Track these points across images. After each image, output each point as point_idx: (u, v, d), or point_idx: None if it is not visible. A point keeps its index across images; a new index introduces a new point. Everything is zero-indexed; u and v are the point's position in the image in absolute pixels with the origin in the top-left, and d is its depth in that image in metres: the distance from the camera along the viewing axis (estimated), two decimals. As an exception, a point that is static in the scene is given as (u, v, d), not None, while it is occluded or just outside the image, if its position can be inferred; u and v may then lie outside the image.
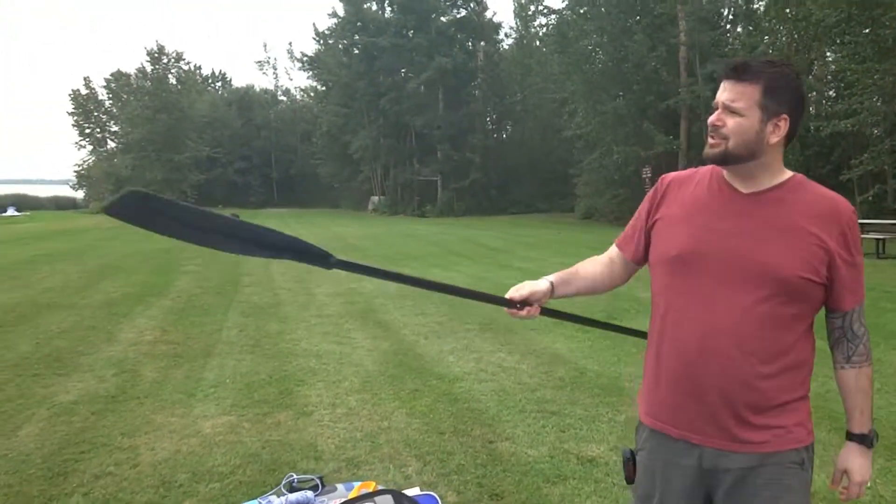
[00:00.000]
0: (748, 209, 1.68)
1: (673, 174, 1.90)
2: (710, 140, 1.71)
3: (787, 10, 20.80)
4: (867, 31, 17.55)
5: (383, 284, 10.73)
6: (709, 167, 1.80)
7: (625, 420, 4.54)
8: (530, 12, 44.84)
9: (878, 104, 18.31)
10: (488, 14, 46.11)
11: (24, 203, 51.77)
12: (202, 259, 15.00)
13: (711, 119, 1.70)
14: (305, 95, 64.28)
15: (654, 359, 1.82)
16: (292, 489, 2.86)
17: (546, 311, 1.97)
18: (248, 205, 52.16)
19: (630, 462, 1.89)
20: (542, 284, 1.95)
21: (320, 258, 1.78)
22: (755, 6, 27.58)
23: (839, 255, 1.64)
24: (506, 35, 48.21)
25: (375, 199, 46.44)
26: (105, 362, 6.08)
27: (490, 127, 47.87)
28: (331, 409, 4.77)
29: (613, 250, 2.03)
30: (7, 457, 4.00)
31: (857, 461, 1.75)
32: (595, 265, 2.05)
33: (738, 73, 1.66)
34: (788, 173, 1.73)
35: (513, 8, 46.77)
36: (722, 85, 1.70)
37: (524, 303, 1.92)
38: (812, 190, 1.70)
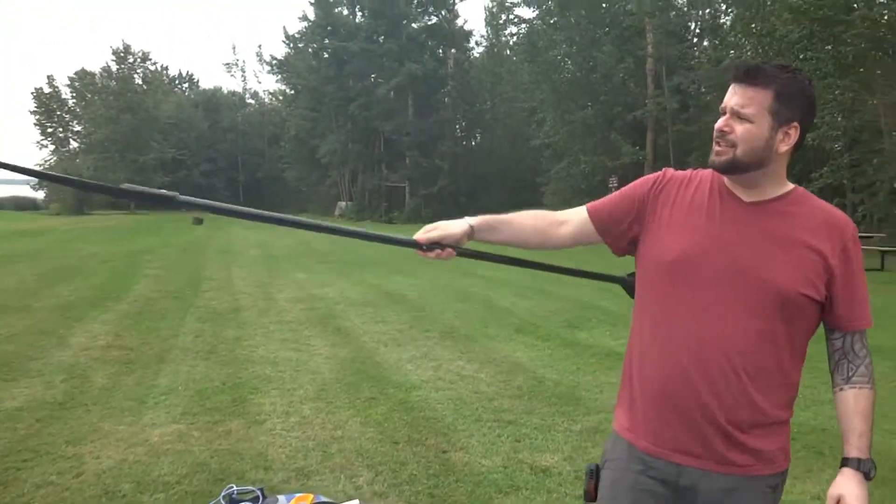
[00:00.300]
0: (750, 219, 1.60)
1: (674, 172, 1.78)
2: (716, 147, 1.60)
3: (753, 26, 21.22)
4: (829, 47, 17.98)
5: (345, 291, 10.66)
6: (708, 171, 1.70)
7: (580, 430, 4.53)
8: (501, 21, 45.11)
9: (839, 119, 18.75)
10: (459, 22, 46.22)
11: (-20, 203, 50.65)
12: (162, 263, 14.81)
13: (719, 125, 1.60)
14: (274, 99, 63.88)
15: (639, 369, 1.70)
16: (232, 501, 2.79)
17: (463, 253, 1.83)
18: (214, 208, 51.44)
19: (593, 478, 1.77)
20: (458, 227, 1.80)
21: (165, 199, 1.68)
22: (721, 21, 28.10)
23: (839, 272, 1.57)
24: (476, 43, 48.37)
25: (343, 204, 46.22)
26: (55, 368, 5.92)
27: (459, 134, 47.90)
28: (284, 418, 4.69)
29: (580, 218, 1.84)
30: (-55, 466, 3.87)
31: (852, 489, 1.56)
32: (537, 220, 1.88)
33: (750, 76, 1.56)
34: (790, 185, 1.66)
35: (484, 16, 47.04)
36: (731, 89, 1.59)
37: (436, 245, 1.79)
38: (814, 204, 1.64)
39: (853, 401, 1.61)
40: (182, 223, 32.27)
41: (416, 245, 1.78)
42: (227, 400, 5.08)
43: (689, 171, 1.76)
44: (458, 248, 1.81)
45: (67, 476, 3.74)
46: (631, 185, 1.82)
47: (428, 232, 1.80)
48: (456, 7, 45.81)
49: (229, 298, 9.85)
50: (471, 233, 1.81)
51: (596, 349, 6.84)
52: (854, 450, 1.60)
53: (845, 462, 1.61)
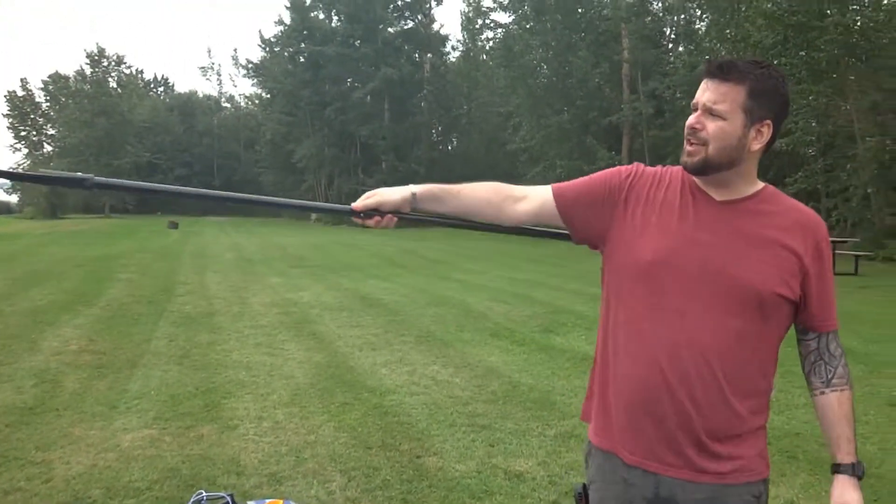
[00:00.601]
0: (723, 218, 1.56)
1: (644, 167, 1.71)
2: (687, 147, 1.56)
3: (727, 31, 21.46)
4: (802, 53, 18.17)
5: (320, 295, 10.61)
6: (678, 168, 1.65)
7: (555, 434, 4.53)
8: (477, 26, 45.31)
9: (813, 125, 18.99)
10: (435, 26, 46.40)
11: (-49, 207, 50.00)
12: (136, 267, 14.68)
13: (690, 121, 1.55)
14: (249, 103, 63.65)
15: (611, 373, 1.63)
16: (201, 507, 2.77)
17: (405, 217, 1.76)
18: (190, 212, 51.18)
19: (582, 498, 1.72)
20: (397, 193, 1.73)
21: (77, 181, 1.70)
22: (696, 26, 28.42)
23: (813, 270, 1.55)
24: (453, 48, 48.60)
25: (319, 208, 46.11)
26: (25, 372, 5.83)
27: (436, 138, 48.03)
28: (257, 423, 4.66)
29: (542, 198, 1.72)
30: (-90, 472, 3.80)
31: (854, 495, 1.57)
32: (490, 193, 1.77)
33: (724, 72, 1.51)
34: (761, 183, 1.62)
35: (460, 21, 47.18)
36: (703, 84, 1.55)
37: (374, 211, 1.72)
38: (786, 202, 1.61)
39: (837, 405, 1.60)
40: (157, 227, 32.02)
41: (352, 213, 1.74)
42: (199, 405, 5.04)
43: (659, 168, 1.70)
44: (399, 213, 1.74)
45: (36, 482, 3.70)
46: (601, 173, 1.73)
47: (365, 199, 1.74)
48: (432, 12, 45.99)
49: (203, 303, 9.78)
50: (412, 201, 1.73)
51: (571, 353, 6.87)
52: (846, 455, 1.59)
53: (839, 468, 1.60)
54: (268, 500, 2.70)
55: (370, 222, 1.74)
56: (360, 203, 1.73)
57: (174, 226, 31.92)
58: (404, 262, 17.11)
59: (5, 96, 51.41)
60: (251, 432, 4.48)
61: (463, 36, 48.36)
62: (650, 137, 27.72)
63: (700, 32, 26.79)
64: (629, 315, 1.60)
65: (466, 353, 6.89)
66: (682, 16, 29.77)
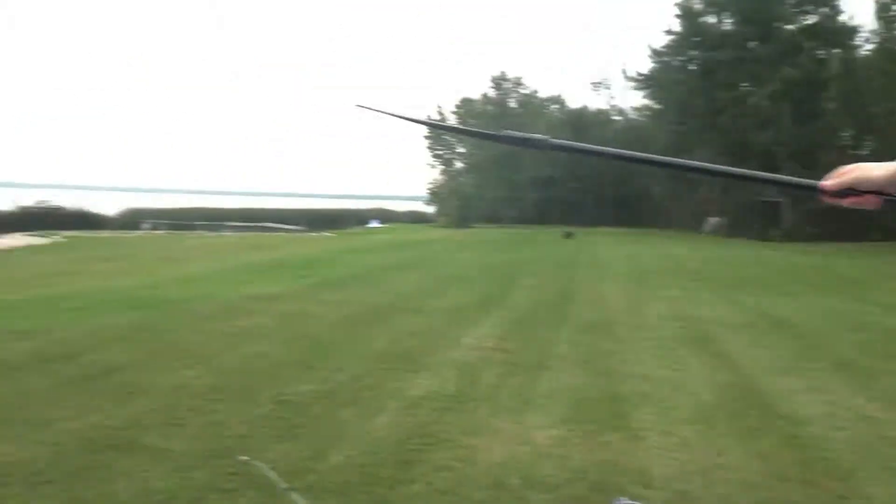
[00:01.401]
0: None
1: None
2: None
3: None
4: None
5: (719, 311, 10.16)
6: None
7: None
8: (893, 11, 39.34)
9: None
10: (842, 18, 41.51)
11: (385, 216, 59.46)
12: (536, 274, 15.63)
13: None
14: (639, 114, 63.86)
15: None
16: (625, 514, 2.81)
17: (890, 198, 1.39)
18: (582, 223, 53.12)
19: None
20: (881, 170, 1.39)
21: (534, 142, 1.67)
22: None
23: None
24: (865, 40, 42.90)
25: (712, 220, 44.43)
26: (448, 364, 6.55)
27: (846, 142, 43.01)
28: (663, 437, 4.60)
29: None
30: (365, 439, 4.50)
31: None
32: None
33: None
34: None
35: (873, 9, 41.44)
36: None
37: (850, 190, 1.41)
38: None
39: None
40: (552, 236, 33.80)
41: (821, 191, 1.46)
42: (604, 411, 5.15)
43: None
44: (883, 194, 1.40)
45: (463, 463, 4.10)
46: None
47: (840, 175, 1.44)
48: (837, 2, 41.20)
49: (601, 312, 10.02)
50: None
51: None
52: None
53: None
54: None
55: (845, 202, 1.45)
56: (833, 182, 1.44)
57: (569, 235, 33.41)
58: (812, 280, 15.56)
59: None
60: (657, 445, 4.44)
61: (878, 25, 42.41)
62: None
63: None
64: None
65: (898, 387, 6.00)
66: None
